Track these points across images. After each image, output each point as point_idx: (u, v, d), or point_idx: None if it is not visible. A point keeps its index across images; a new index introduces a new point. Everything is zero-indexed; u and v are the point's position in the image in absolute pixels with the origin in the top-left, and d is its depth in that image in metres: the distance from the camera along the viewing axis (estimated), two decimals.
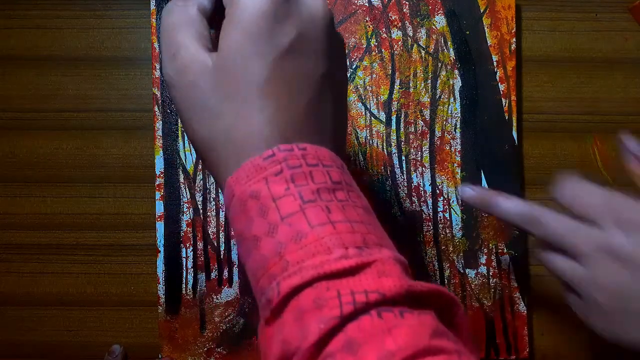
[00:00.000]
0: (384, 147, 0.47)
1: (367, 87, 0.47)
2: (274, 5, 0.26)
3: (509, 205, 0.36)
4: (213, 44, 0.28)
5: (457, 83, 0.47)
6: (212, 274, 0.47)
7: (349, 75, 0.47)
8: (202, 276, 0.47)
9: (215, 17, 0.30)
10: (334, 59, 0.29)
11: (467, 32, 0.47)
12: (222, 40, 0.27)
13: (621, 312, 0.32)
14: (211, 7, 0.30)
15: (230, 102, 0.27)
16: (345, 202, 0.26)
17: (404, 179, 0.47)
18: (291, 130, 0.27)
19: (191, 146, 0.47)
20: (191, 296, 0.46)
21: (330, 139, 0.28)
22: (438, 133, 0.47)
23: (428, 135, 0.47)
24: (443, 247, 0.47)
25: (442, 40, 0.47)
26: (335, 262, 0.23)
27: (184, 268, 0.46)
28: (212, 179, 0.47)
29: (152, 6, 0.47)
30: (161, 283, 0.46)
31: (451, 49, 0.47)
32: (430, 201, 0.47)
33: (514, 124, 0.47)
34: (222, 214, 0.47)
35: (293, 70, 0.27)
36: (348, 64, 0.47)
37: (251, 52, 0.26)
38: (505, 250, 0.47)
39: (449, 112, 0.47)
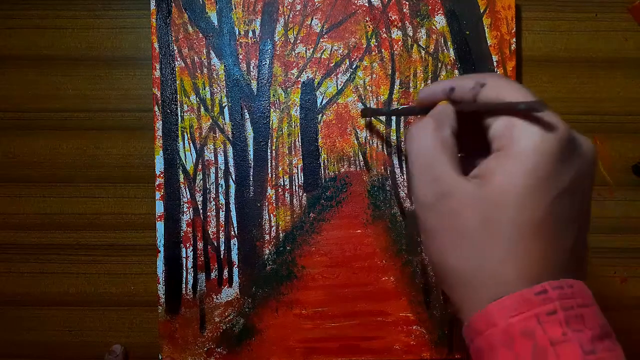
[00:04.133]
0: (384, 147, 0.47)
1: (367, 87, 0.47)
2: (562, 146, 0.26)
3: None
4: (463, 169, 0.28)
5: None
6: (212, 274, 0.47)
7: (349, 75, 0.47)
8: (202, 276, 0.47)
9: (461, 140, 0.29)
10: (591, 192, 0.29)
11: (467, 32, 0.47)
12: (496, 174, 0.26)
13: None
14: (457, 130, 0.29)
15: (496, 237, 0.26)
16: (612, 353, 0.25)
17: (404, 179, 0.47)
18: (558, 269, 0.26)
19: (191, 146, 0.47)
20: (191, 296, 0.46)
21: (582, 275, 0.28)
22: None
23: None
24: None
25: (442, 40, 0.47)
26: None
27: (184, 268, 0.46)
28: (212, 178, 0.47)
29: (152, 6, 0.47)
30: (161, 283, 0.46)
31: (451, 49, 0.47)
32: None
33: None
34: (222, 214, 0.47)
35: (567, 210, 0.26)
36: (349, 64, 0.47)
37: (531, 191, 0.25)
38: None
39: None
